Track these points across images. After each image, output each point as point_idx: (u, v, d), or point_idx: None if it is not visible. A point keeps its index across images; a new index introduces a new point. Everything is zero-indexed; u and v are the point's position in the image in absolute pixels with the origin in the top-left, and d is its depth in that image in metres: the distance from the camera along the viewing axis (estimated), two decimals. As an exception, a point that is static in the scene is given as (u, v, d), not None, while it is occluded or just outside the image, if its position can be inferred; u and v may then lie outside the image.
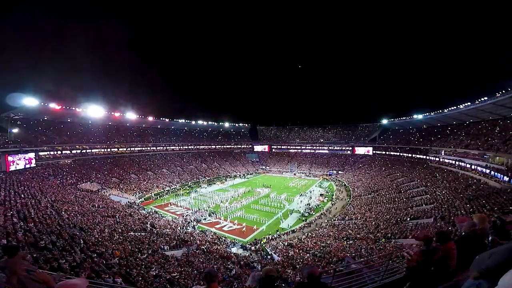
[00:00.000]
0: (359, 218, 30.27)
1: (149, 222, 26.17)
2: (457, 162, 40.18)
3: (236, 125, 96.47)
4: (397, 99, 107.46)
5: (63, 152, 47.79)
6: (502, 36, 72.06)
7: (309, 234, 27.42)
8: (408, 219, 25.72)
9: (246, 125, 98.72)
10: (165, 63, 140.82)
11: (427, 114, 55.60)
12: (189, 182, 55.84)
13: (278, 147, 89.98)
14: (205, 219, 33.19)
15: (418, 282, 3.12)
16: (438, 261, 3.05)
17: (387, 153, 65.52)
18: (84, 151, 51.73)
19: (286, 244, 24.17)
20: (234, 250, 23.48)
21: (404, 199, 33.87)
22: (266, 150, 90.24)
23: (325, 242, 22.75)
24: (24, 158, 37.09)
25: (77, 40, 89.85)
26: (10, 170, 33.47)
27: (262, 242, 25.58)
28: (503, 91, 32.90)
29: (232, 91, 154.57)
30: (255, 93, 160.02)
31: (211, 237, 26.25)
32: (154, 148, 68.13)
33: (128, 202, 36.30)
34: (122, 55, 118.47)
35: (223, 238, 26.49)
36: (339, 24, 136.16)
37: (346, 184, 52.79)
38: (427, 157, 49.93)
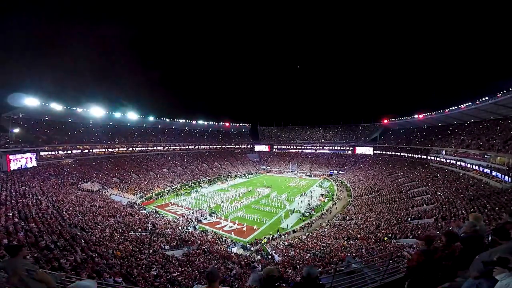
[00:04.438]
0: (359, 218, 30.24)
1: (150, 222, 26.20)
2: (458, 162, 40.10)
3: (237, 125, 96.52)
4: (398, 99, 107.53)
5: (64, 152, 47.91)
6: (502, 35, 71.88)
7: (310, 234, 27.40)
8: (409, 219, 25.69)
9: (247, 125, 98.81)
10: (166, 63, 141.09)
11: (428, 114, 55.47)
12: (190, 182, 55.88)
13: (279, 147, 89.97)
14: (205, 219, 33.21)
15: (419, 282, 3.12)
16: (438, 261, 3.05)
17: (388, 153, 65.43)
18: (85, 151, 51.85)
19: (286, 244, 24.16)
20: (234, 250, 23.49)
21: (405, 199, 33.83)
22: (267, 150, 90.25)
23: (326, 242, 22.75)
24: (25, 158, 37.19)
25: (78, 41, 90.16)
26: (11, 170, 33.57)
27: (262, 242, 25.59)
28: (504, 91, 32.80)
29: (233, 91, 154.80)
30: (255, 93, 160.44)
31: (211, 237, 26.27)
32: (155, 148, 68.25)
33: (129, 202, 36.37)
34: (123, 56, 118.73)
35: (224, 238, 26.51)
36: (339, 24, 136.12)
37: (347, 184, 52.74)
38: (428, 157, 49.84)
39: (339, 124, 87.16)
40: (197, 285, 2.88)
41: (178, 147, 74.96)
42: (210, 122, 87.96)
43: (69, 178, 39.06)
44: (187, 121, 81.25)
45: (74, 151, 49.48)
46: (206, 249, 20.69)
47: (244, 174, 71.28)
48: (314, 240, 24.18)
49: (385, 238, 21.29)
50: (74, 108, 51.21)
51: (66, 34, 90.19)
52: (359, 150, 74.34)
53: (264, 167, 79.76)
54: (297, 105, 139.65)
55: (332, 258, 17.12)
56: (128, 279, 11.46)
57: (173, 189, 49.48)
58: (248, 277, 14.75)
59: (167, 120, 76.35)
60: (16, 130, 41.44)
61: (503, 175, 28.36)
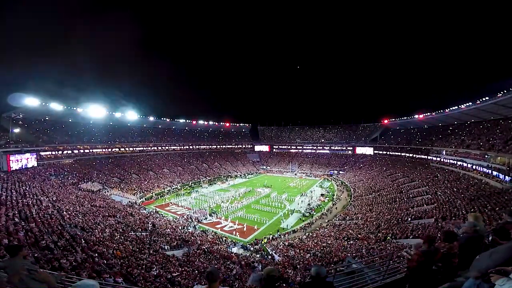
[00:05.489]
0: (360, 218, 30.24)
1: (150, 222, 26.21)
2: (458, 162, 40.07)
3: (237, 125, 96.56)
4: (398, 99, 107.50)
5: (65, 152, 47.94)
6: (502, 35, 71.85)
7: (310, 234, 27.40)
8: (409, 219, 25.67)
9: (247, 125, 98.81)
10: (166, 63, 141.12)
11: (428, 114, 55.47)
12: (190, 182, 55.89)
13: (279, 147, 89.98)
14: (205, 219, 33.22)
15: (419, 282, 3.12)
16: (439, 261, 3.05)
17: (388, 153, 65.41)
18: (85, 151, 51.88)
19: (287, 244, 24.16)
20: (234, 250, 23.49)
21: (405, 199, 33.81)
22: (267, 150, 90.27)
23: (326, 242, 22.75)
24: (26, 158, 37.20)
25: (78, 40, 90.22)
26: (11, 170, 33.58)
27: (262, 242, 25.59)
28: (504, 91, 32.79)
29: (233, 91, 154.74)
30: (256, 93, 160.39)
31: (212, 237, 26.28)
32: (155, 148, 68.25)
33: (129, 202, 36.36)
34: (124, 56, 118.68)
35: (224, 238, 26.51)
36: (340, 24, 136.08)
37: (347, 184, 52.74)
38: (428, 157, 49.82)
39: (339, 124, 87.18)
40: (197, 285, 2.89)
41: (178, 147, 74.97)
42: (210, 122, 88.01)
43: (69, 178, 39.08)
44: (187, 121, 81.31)
45: (74, 151, 49.51)
46: (206, 249, 20.69)
47: (244, 174, 71.28)
48: (314, 240, 24.18)
49: (388, 238, 21.30)
50: (74, 108, 51.23)
51: (66, 34, 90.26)
52: (359, 150, 74.31)
53: (264, 167, 79.75)
54: (297, 105, 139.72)
55: (332, 258, 17.12)
56: (128, 279, 11.47)
57: (173, 189, 49.48)
58: (248, 277, 14.77)
59: (167, 120, 76.41)
60: (17, 130, 41.46)
61: (503, 175, 28.34)
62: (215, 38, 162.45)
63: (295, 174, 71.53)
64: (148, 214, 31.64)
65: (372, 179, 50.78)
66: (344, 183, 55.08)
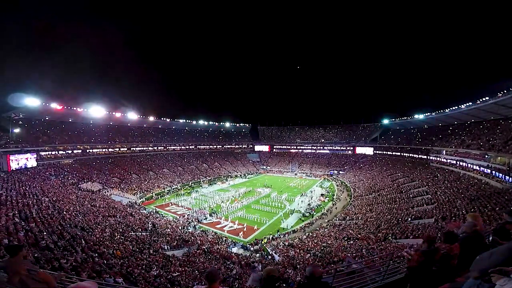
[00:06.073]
0: (360, 218, 30.24)
1: (150, 222, 26.22)
2: (458, 162, 40.05)
3: (237, 125, 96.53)
4: (398, 99, 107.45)
5: (64, 152, 47.95)
6: (502, 35, 71.85)
7: (310, 234, 27.39)
8: (409, 219, 25.68)
9: (247, 125, 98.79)
10: (166, 63, 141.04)
11: (428, 114, 55.46)
12: (190, 182, 55.91)
13: (279, 147, 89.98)
14: (205, 219, 33.22)
15: (419, 283, 3.12)
16: (440, 261, 3.04)
17: (388, 153, 65.40)
18: (86, 151, 51.88)
19: (287, 244, 24.16)
20: (234, 250, 23.50)
21: (405, 199, 33.81)
22: (267, 150, 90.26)
23: (326, 242, 22.74)
24: (26, 158, 37.22)
25: (78, 40, 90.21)
26: (11, 169, 33.60)
27: (262, 242, 25.59)
28: (505, 91, 32.78)
29: (233, 91, 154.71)
30: (256, 93, 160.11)
31: (212, 237, 26.28)
32: (155, 148, 68.26)
33: (129, 202, 36.37)
34: (123, 55, 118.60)
35: (224, 238, 26.51)
36: (339, 24, 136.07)
37: (347, 184, 52.74)
38: (429, 157, 49.81)
39: (339, 124, 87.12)
40: (197, 285, 2.89)
41: (178, 147, 74.99)
42: (210, 122, 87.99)
43: (69, 178, 39.07)
44: (187, 121, 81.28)
45: (74, 151, 49.50)
46: (206, 249, 20.71)
47: (244, 174, 71.26)
48: (315, 240, 24.17)
49: (388, 238, 21.31)
50: (75, 108, 51.24)
51: (66, 34, 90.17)
52: (360, 150, 74.33)
53: (264, 167, 79.74)
54: (297, 105, 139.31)
55: (332, 258, 17.12)
56: (128, 279, 11.48)
57: (173, 189, 49.49)
58: (248, 277, 14.76)
59: (167, 120, 76.32)
60: (17, 130, 41.47)
61: (503, 175, 28.34)
62: (215, 37, 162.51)
63: (295, 174, 71.52)
64: (148, 214, 31.65)
65: (372, 179, 50.77)
66: (344, 183, 55.07)
